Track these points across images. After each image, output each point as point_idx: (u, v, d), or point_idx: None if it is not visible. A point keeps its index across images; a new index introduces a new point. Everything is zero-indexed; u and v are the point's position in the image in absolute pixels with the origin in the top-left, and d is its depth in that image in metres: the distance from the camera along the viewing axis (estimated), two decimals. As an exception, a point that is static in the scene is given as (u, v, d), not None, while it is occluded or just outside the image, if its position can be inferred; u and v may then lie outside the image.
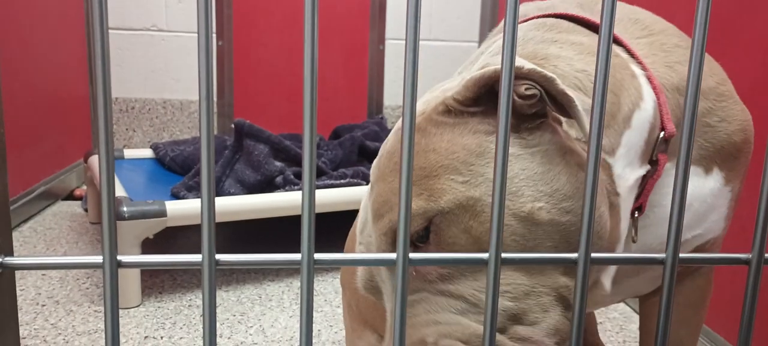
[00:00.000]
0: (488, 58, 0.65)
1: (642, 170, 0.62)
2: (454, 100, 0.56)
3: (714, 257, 0.41)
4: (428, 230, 0.54)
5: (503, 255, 0.39)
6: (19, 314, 1.38)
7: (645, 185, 0.64)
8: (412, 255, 0.39)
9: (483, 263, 0.39)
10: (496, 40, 0.72)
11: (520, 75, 0.54)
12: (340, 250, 1.76)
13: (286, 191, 1.65)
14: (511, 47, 0.36)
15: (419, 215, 0.53)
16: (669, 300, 0.40)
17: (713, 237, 0.72)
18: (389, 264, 0.39)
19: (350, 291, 0.99)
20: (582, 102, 0.54)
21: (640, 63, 0.66)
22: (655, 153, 0.64)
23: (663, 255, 0.41)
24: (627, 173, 0.61)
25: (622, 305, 1.55)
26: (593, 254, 0.41)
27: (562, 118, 0.58)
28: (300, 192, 1.63)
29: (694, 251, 0.71)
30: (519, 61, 0.55)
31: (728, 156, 0.69)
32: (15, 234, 1.87)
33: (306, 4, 0.34)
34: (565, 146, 0.55)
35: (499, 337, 0.53)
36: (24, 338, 1.27)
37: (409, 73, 0.35)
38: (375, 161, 0.61)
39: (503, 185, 0.38)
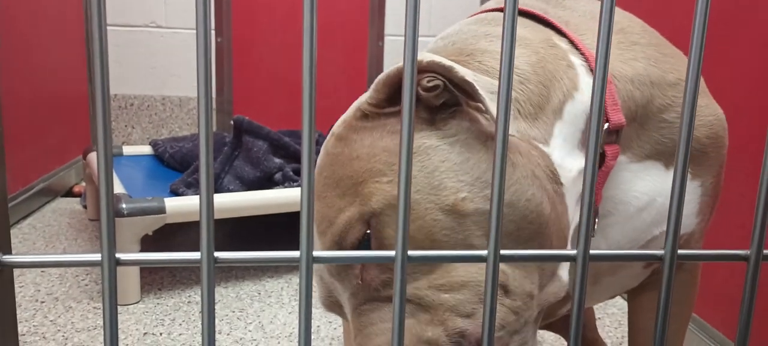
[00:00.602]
0: (426, 50, 0.64)
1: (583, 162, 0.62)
2: (368, 105, 0.56)
3: (713, 253, 0.41)
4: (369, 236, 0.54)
5: (502, 252, 0.39)
6: (19, 311, 1.38)
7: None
8: (411, 253, 0.39)
9: (482, 260, 0.39)
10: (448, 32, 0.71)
11: (420, 68, 0.54)
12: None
13: (286, 187, 1.65)
14: (510, 44, 0.36)
15: (356, 220, 0.53)
16: (668, 296, 0.40)
17: (686, 233, 0.71)
18: (389, 260, 0.39)
19: None
20: (488, 85, 0.54)
21: (582, 53, 0.65)
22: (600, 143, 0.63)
23: (662, 252, 0.41)
24: (567, 163, 0.60)
25: (620, 301, 1.55)
26: (592, 251, 0.41)
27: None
28: (299, 188, 1.63)
29: None
30: (420, 56, 0.55)
31: (693, 153, 0.69)
32: (14, 231, 1.87)
33: (305, 1, 0.34)
34: (485, 133, 0.55)
35: (435, 331, 0.52)
36: (23, 335, 1.27)
37: (408, 70, 0.35)
38: None
39: (502, 183, 0.38)
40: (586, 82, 0.63)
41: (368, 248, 0.54)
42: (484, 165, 0.54)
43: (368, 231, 0.54)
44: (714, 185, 0.72)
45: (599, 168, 0.63)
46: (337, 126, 0.59)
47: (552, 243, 0.57)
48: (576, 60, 0.64)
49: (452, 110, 0.56)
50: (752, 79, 1.12)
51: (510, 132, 0.54)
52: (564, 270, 0.61)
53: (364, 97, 0.58)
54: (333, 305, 0.61)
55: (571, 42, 0.66)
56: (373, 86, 0.56)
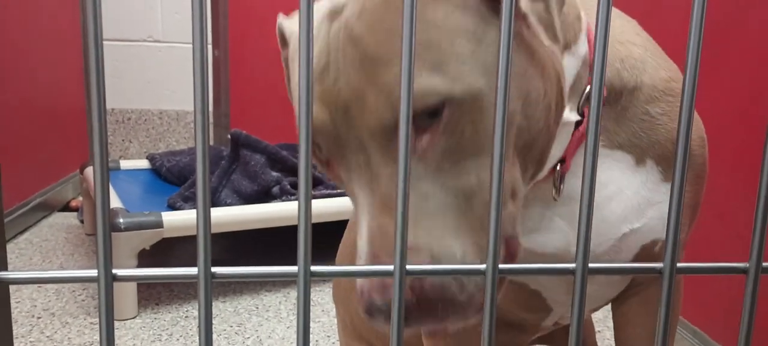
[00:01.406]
0: None
1: (571, 116, 0.61)
2: None
3: (712, 266, 0.41)
4: (437, 112, 0.50)
5: (500, 266, 0.39)
6: (15, 327, 1.37)
7: (571, 137, 0.62)
8: (409, 266, 0.39)
9: (480, 273, 0.39)
10: None
11: None
12: (338, 260, 1.75)
13: (283, 200, 1.65)
14: (507, 38, 0.36)
15: (436, 93, 0.50)
16: (668, 310, 0.40)
17: (660, 239, 0.69)
18: (386, 275, 0.39)
19: (344, 307, 0.98)
20: None
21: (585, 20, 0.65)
22: (580, 106, 0.62)
23: (659, 265, 0.40)
24: None
25: (620, 313, 1.54)
26: (591, 265, 0.40)
27: (529, 17, 0.56)
28: (297, 202, 1.63)
29: (641, 252, 0.68)
30: None
31: (667, 154, 0.66)
32: (11, 246, 1.86)
33: (300, 14, 0.34)
34: (531, 47, 0.54)
35: (483, 240, 0.52)
36: (19, 351, 1.27)
37: (405, 82, 0.35)
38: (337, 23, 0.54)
39: (500, 190, 0.37)
40: (582, 41, 0.62)
41: (429, 122, 0.50)
42: (534, 83, 0.53)
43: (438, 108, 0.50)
44: (690, 195, 0.69)
45: (575, 130, 0.62)
46: None
47: (534, 169, 0.57)
48: (583, 17, 0.63)
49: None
50: (750, 89, 1.12)
51: (546, 48, 0.54)
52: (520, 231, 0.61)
53: None
54: (333, 147, 0.55)
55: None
56: None
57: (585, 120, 0.62)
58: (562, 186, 0.64)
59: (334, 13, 0.54)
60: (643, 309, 0.76)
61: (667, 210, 0.68)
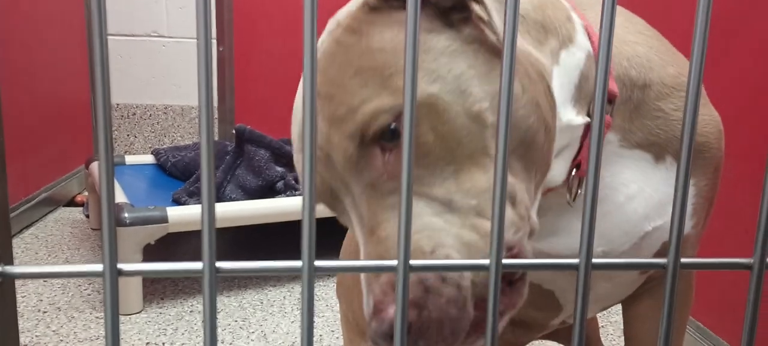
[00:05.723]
0: None
1: (578, 119, 0.60)
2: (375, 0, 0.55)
3: (716, 261, 0.41)
4: (396, 130, 0.52)
5: (504, 261, 0.39)
6: (21, 321, 1.37)
7: (583, 140, 0.62)
8: (413, 262, 0.39)
9: (484, 269, 0.39)
10: None
11: None
12: (342, 255, 1.75)
13: (288, 196, 1.65)
14: (511, 33, 0.36)
15: (386, 111, 0.51)
16: (671, 306, 0.40)
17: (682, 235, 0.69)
18: (390, 271, 0.39)
19: (346, 303, 0.99)
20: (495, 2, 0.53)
21: (580, 16, 0.64)
22: (591, 107, 0.61)
23: (664, 260, 0.40)
24: (560, 112, 0.59)
25: (624, 308, 1.54)
26: (594, 260, 0.40)
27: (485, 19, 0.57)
28: (301, 197, 1.63)
29: (662, 249, 0.68)
30: None
31: None
32: (16, 240, 1.87)
33: (305, 9, 0.34)
34: (495, 47, 0.55)
35: (471, 236, 0.51)
36: (25, 345, 1.27)
37: (408, 76, 0.35)
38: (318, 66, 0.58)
39: (504, 187, 0.37)
40: (581, 39, 0.62)
41: (392, 139, 0.52)
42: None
43: (394, 124, 0.52)
44: (708, 187, 0.70)
45: (589, 132, 0.62)
46: (344, 18, 0.57)
47: (536, 171, 0.56)
48: (575, 18, 0.63)
49: (464, 16, 0.55)
50: (756, 85, 1.11)
51: (521, 52, 0.53)
52: (534, 211, 0.59)
53: None
54: (332, 201, 0.57)
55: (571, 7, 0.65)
56: None
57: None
58: (579, 190, 0.64)
59: None
60: (656, 305, 0.76)
61: (689, 208, 0.68)
